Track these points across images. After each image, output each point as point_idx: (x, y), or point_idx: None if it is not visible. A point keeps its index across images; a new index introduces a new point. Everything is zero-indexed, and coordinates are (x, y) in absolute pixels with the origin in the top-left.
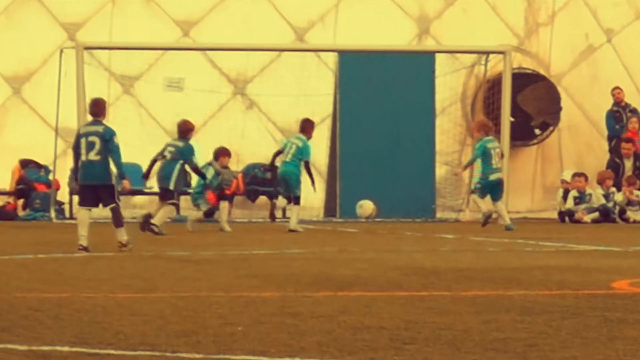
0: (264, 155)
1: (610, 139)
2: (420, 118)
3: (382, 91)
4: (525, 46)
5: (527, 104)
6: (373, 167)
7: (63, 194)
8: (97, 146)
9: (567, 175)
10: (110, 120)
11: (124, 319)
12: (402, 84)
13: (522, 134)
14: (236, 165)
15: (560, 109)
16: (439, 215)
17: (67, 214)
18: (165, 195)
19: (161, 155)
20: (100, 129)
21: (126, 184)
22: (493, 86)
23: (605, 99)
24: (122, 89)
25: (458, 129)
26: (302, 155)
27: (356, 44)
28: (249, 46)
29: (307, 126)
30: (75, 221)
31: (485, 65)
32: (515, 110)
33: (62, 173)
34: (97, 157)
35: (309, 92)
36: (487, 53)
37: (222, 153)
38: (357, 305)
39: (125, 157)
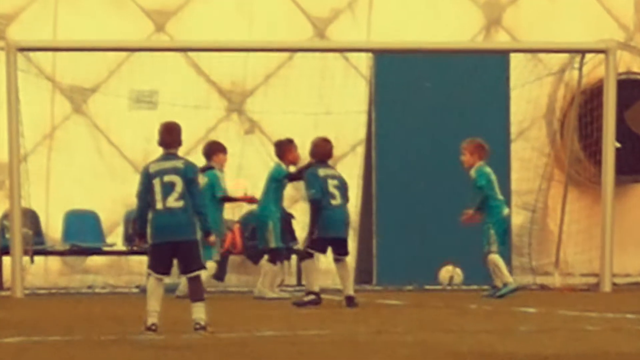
0: None
1: None
2: (489, 144)
3: (434, 107)
4: (635, 43)
5: (638, 123)
6: (422, 216)
7: None
8: (178, 188)
9: None
10: (55, 148)
11: None
12: (463, 96)
13: (633, 166)
14: (231, 212)
15: None
16: (516, 280)
17: None
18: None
19: (328, 194)
20: (179, 164)
21: (213, 240)
22: (591, 98)
23: None
24: (71, 105)
25: (542, 159)
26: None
27: (397, 41)
28: (248, 45)
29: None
30: (4, 292)
31: (580, 69)
32: (622, 131)
33: None
34: (179, 204)
35: (333, 109)
36: (583, 52)
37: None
38: None
39: (76, 202)
